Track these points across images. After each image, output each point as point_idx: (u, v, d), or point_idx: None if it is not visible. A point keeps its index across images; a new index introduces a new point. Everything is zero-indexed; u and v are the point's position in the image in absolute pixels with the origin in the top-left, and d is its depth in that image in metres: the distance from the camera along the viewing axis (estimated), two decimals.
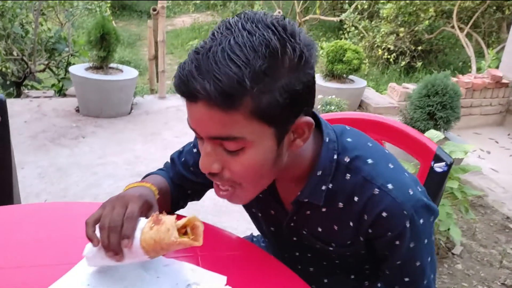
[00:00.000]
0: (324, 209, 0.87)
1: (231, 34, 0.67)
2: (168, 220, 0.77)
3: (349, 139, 0.86)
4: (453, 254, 2.42)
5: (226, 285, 0.85)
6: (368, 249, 0.90)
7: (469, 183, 3.17)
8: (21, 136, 3.35)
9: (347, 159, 0.84)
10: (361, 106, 4.62)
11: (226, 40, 0.66)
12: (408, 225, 0.80)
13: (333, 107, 3.62)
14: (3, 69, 4.56)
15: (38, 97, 4.25)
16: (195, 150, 1.03)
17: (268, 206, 0.97)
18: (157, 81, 5.22)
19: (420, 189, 0.84)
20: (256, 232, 1.35)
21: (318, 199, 0.85)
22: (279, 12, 4.79)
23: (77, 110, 3.96)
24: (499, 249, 2.53)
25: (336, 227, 0.89)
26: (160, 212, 0.80)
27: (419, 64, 6.95)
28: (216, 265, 0.90)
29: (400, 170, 0.85)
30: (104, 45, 3.71)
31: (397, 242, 0.83)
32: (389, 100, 4.61)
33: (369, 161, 0.83)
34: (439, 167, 1.19)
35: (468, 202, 2.36)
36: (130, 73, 4.00)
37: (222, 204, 2.66)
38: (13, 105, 3.86)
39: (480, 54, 6.50)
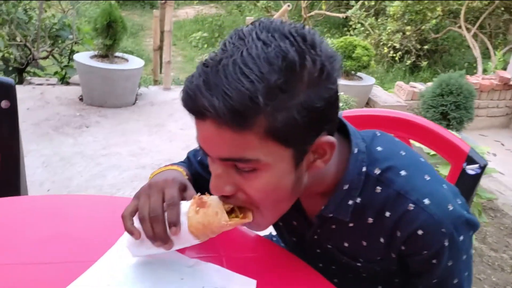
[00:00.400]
0: (351, 224, 0.81)
1: (244, 45, 0.61)
2: (214, 201, 0.72)
3: (379, 148, 0.79)
4: None
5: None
6: (400, 265, 0.83)
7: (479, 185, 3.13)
8: (24, 123, 3.28)
9: (377, 171, 0.77)
10: (368, 103, 4.57)
11: (238, 52, 0.60)
12: (446, 243, 0.74)
13: (341, 104, 3.57)
14: (6, 55, 4.48)
15: (41, 84, 4.18)
16: None
17: (290, 217, 0.89)
18: (161, 72, 5.16)
19: (460, 202, 0.77)
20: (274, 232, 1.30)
21: (344, 214, 0.79)
22: (288, 6, 4.72)
23: (81, 99, 3.89)
24: (510, 254, 2.49)
25: (364, 243, 0.82)
26: (202, 193, 0.75)
27: (424, 63, 6.90)
28: (243, 267, 0.85)
29: (438, 181, 0.78)
30: (110, 33, 3.63)
31: (434, 261, 0.76)
32: (396, 98, 4.56)
33: (403, 172, 0.76)
34: (471, 169, 1.14)
35: (481, 205, 2.32)
36: (135, 62, 3.93)
37: None
38: (17, 92, 3.78)
39: (485, 56, 6.45)
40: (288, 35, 0.61)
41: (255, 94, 0.57)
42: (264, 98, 0.58)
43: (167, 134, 3.50)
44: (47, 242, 0.86)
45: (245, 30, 0.63)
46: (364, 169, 0.77)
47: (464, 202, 0.79)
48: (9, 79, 1.36)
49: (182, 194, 0.78)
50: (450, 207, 0.74)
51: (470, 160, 1.13)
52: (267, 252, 0.95)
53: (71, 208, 1.01)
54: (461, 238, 0.75)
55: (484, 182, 3.21)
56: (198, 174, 0.98)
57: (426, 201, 0.73)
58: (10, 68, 4.42)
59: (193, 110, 0.62)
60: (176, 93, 4.36)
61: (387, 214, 0.76)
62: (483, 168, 1.13)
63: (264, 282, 0.82)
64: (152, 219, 0.72)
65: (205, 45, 8.15)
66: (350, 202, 0.78)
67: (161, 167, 0.91)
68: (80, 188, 2.62)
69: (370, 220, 0.79)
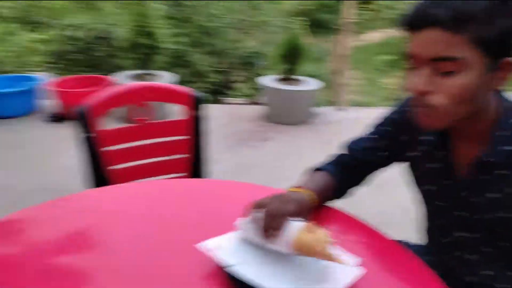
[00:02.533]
0: (505, 171, 0.88)
1: None
2: (323, 233, 0.85)
3: None
4: None
5: (360, 266, 0.87)
6: None
7: None
8: (217, 136, 3.84)
9: None
10: None
11: None
12: None
13: None
14: (211, 79, 5.27)
15: (234, 103, 4.84)
16: (375, 136, 1.15)
17: (441, 176, 1.00)
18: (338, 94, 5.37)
19: None
20: None
21: (501, 159, 0.87)
22: None
23: (265, 117, 4.38)
24: None
25: None
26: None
27: None
28: (350, 251, 0.93)
29: None
30: (292, 59, 4.05)
31: None
32: None
33: None
34: None
35: None
36: (313, 84, 4.26)
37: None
38: (214, 110, 4.46)
39: None
40: None
41: (475, 8, 0.77)
42: (482, 11, 0.77)
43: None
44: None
45: None
46: None
47: None
48: (201, 93, 1.75)
49: (296, 215, 0.93)
50: None
51: None
52: (374, 239, 1.03)
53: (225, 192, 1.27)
54: None
55: None
56: (358, 160, 1.17)
57: None
58: (211, 90, 5.22)
59: (419, 21, 0.81)
60: (350, 114, 4.49)
61: None
62: None
63: (370, 269, 0.88)
64: (272, 216, 0.89)
65: (389, 68, 8.07)
66: (508, 148, 0.87)
67: (294, 187, 1.08)
68: None
69: None
